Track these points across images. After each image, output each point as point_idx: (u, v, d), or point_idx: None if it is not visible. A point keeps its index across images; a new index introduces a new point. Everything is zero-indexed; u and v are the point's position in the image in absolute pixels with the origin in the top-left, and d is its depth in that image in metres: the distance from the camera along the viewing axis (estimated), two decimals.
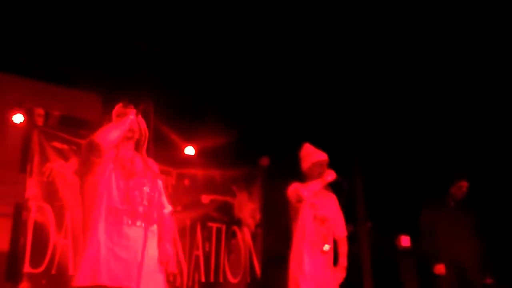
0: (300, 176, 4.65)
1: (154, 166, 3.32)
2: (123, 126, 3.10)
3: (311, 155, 4.58)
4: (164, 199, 3.36)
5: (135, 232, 2.97)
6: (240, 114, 7.08)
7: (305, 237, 4.36)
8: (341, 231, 4.63)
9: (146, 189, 3.13)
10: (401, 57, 6.36)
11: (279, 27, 5.93)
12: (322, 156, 4.56)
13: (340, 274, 4.44)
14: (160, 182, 3.32)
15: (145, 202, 3.07)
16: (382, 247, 7.83)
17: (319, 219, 4.40)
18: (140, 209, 3.05)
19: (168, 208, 3.36)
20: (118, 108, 3.32)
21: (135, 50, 5.94)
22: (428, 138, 7.21)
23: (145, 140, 3.26)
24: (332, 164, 4.59)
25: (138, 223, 3.01)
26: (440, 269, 5.33)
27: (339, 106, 7.33)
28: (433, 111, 7.02)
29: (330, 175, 4.41)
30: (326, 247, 4.37)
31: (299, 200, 4.35)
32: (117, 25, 5.76)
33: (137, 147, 3.25)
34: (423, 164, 7.07)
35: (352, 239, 7.58)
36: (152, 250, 3.04)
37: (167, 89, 6.23)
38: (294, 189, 4.40)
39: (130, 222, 2.98)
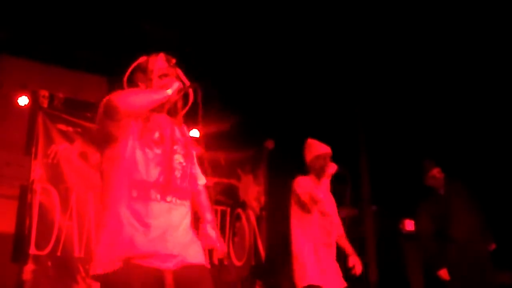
0: (303, 164, 4.67)
1: (189, 135, 2.84)
2: (155, 97, 2.53)
3: (315, 148, 4.59)
4: (198, 170, 2.93)
5: (165, 208, 2.50)
6: (245, 97, 7.07)
7: (313, 232, 4.39)
8: (339, 229, 4.67)
9: (179, 157, 2.65)
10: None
11: (280, 11, 5.91)
12: (325, 149, 4.57)
13: (358, 260, 4.50)
14: (194, 153, 2.87)
15: (178, 174, 2.60)
16: (386, 231, 7.84)
17: (324, 214, 4.45)
18: (171, 181, 2.57)
19: (202, 180, 2.94)
20: (162, 64, 2.74)
21: (141, 32, 5.90)
22: (435, 121, 7.19)
23: (183, 106, 2.75)
24: (337, 151, 4.59)
25: (169, 198, 2.53)
26: (443, 274, 5.34)
27: (343, 89, 7.31)
28: (442, 93, 7.00)
29: (332, 168, 4.40)
30: None
31: (315, 202, 4.38)
32: (123, 6, 5.73)
33: (172, 111, 2.74)
34: (430, 148, 7.05)
35: (356, 222, 7.66)
36: (186, 226, 2.61)
37: None
38: (308, 191, 4.40)
39: (159, 197, 2.49)
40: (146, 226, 2.41)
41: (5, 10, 5.39)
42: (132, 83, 2.75)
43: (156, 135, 2.60)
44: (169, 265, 2.42)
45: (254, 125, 7.11)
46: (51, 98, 5.39)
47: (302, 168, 4.68)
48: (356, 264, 4.45)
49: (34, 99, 5.35)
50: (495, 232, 5.52)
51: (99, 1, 5.60)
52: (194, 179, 2.83)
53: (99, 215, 2.52)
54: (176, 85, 2.58)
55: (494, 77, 6.56)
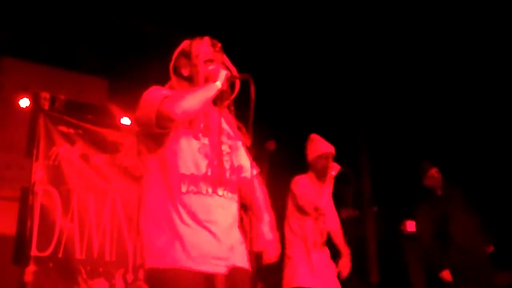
0: (304, 164, 4.62)
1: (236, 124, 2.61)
2: (206, 94, 2.31)
3: (318, 146, 4.46)
4: (247, 161, 2.63)
5: (217, 203, 2.32)
6: (245, 98, 7.07)
7: (306, 233, 4.35)
8: (335, 224, 4.58)
9: (225, 148, 2.45)
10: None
11: (280, 12, 5.92)
12: (329, 149, 4.44)
13: (347, 263, 4.41)
14: (240, 143, 2.61)
15: (226, 165, 2.41)
16: (387, 232, 7.84)
17: (319, 215, 4.38)
18: (222, 173, 2.37)
19: (248, 171, 2.60)
20: (207, 48, 2.53)
21: (142, 34, 5.91)
22: (435, 121, 7.19)
23: (230, 94, 2.51)
24: (338, 151, 4.55)
25: (220, 192, 2.35)
26: (446, 275, 5.32)
27: (344, 89, 7.32)
28: (442, 93, 7.00)
29: (334, 169, 4.31)
30: None
31: (316, 209, 4.31)
32: (124, 8, 5.74)
33: (218, 100, 2.48)
34: (431, 148, 7.05)
35: (357, 223, 7.66)
36: (236, 223, 2.47)
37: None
38: (310, 199, 4.31)
39: (210, 190, 2.30)
40: (199, 223, 2.25)
41: (7, 12, 5.40)
42: (175, 70, 2.56)
43: (201, 125, 2.40)
44: (220, 269, 2.26)
45: (255, 126, 7.10)
46: (52, 100, 5.41)
47: (303, 169, 4.65)
48: (343, 268, 4.36)
49: (35, 101, 5.35)
50: (493, 233, 5.53)
51: (100, 3, 5.60)
52: (240, 171, 2.57)
53: (146, 212, 2.34)
54: (224, 74, 2.39)
55: (494, 77, 6.56)
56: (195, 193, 2.27)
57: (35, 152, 5.21)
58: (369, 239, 7.65)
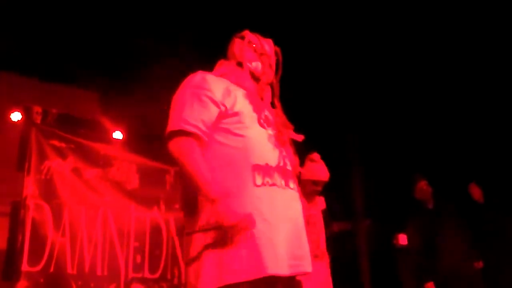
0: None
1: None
2: (196, 179, 2.08)
3: (316, 171, 4.36)
4: None
5: (289, 197, 2.13)
6: None
7: None
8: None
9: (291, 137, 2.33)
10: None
11: (278, 24, 5.94)
12: (324, 177, 4.38)
13: None
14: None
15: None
16: (380, 245, 7.83)
17: (311, 225, 4.37)
18: (289, 164, 2.18)
19: None
20: (271, 51, 2.46)
21: (135, 48, 5.92)
22: (430, 133, 7.22)
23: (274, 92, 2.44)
24: (331, 164, 4.54)
25: (292, 184, 2.16)
26: (430, 287, 5.32)
27: (336, 102, 7.34)
28: (437, 105, 7.04)
29: (321, 203, 4.42)
30: None
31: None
32: (115, 22, 5.75)
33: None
34: (425, 160, 7.07)
35: (350, 236, 7.64)
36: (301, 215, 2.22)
37: (167, 87, 6.22)
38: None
39: (283, 183, 2.11)
40: (279, 219, 2.03)
41: None
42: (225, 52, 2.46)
43: (266, 112, 2.26)
44: (307, 268, 2.10)
45: None
46: (45, 114, 5.39)
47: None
48: None
49: (27, 115, 5.32)
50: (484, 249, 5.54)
51: (92, 17, 5.61)
52: None
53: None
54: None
55: (487, 93, 6.61)
56: (271, 185, 2.06)
57: (26, 166, 5.18)
58: (362, 252, 7.64)
